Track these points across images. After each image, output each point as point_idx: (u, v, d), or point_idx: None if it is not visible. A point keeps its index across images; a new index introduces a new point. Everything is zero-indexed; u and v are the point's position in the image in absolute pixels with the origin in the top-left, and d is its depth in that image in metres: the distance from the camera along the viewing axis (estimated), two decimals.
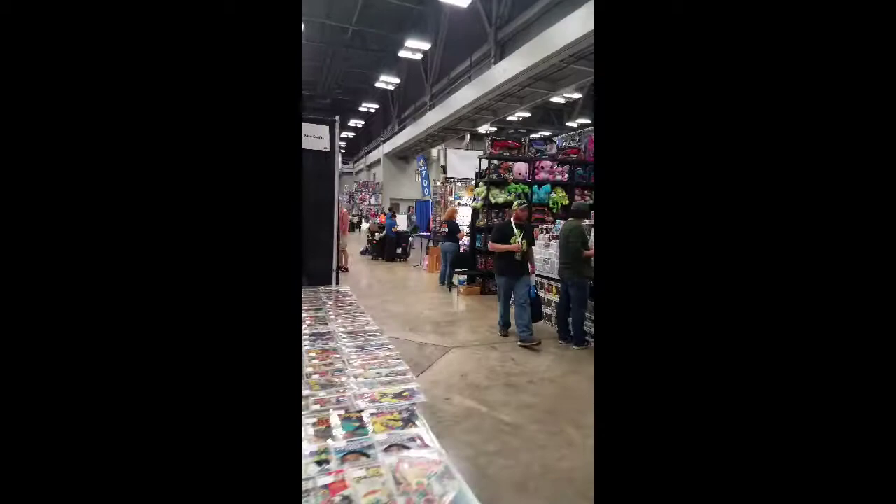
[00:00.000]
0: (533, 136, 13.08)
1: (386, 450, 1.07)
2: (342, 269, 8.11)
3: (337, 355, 1.80)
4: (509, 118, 13.51)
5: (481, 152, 7.30)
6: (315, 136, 3.41)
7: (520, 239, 4.10)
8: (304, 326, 2.23)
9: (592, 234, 4.02)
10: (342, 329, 2.19)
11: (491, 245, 4.37)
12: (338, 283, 3.54)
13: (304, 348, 1.89)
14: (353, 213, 18.92)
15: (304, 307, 2.64)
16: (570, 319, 4.17)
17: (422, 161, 14.30)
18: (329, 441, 1.11)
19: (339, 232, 3.59)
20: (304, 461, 1.01)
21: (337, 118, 3.45)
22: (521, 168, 6.76)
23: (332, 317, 2.44)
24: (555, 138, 10.10)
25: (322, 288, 3.28)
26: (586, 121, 14.70)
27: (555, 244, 4.71)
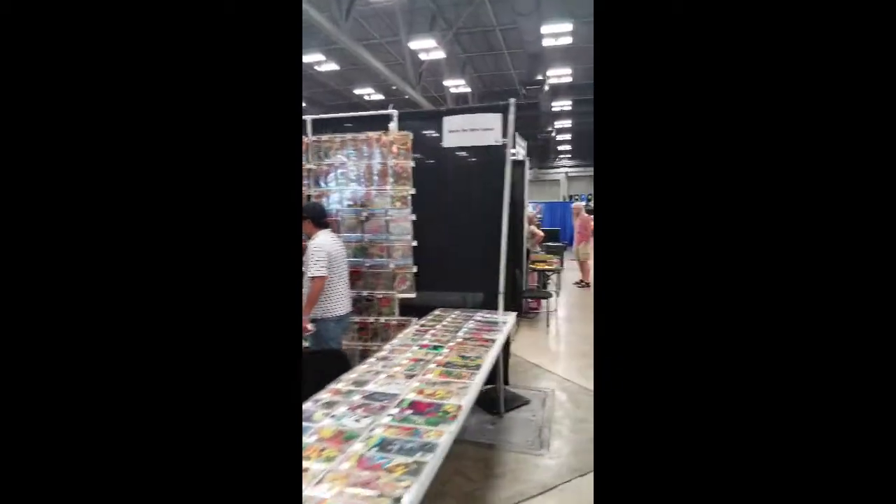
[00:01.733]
0: None
1: None
2: (582, 283, 7.11)
3: (336, 453, 1.11)
4: None
5: None
6: (484, 129, 2.77)
7: None
8: (379, 378, 1.63)
9: None
10: (414, 396, 1.46)
11: None
12: (508, 310, 2.77)
13: (309, 426, 1.29)
14: None
15: (424, 341, 2.05)
16: None
17: None
18: None
19: (527, 244, 2.81)
20: None
21: (512, 100, 2.70)
22: None
23: (432, 366, 1.74)
24: None
25: (480, 314, 2.61)
26: None
27: None
